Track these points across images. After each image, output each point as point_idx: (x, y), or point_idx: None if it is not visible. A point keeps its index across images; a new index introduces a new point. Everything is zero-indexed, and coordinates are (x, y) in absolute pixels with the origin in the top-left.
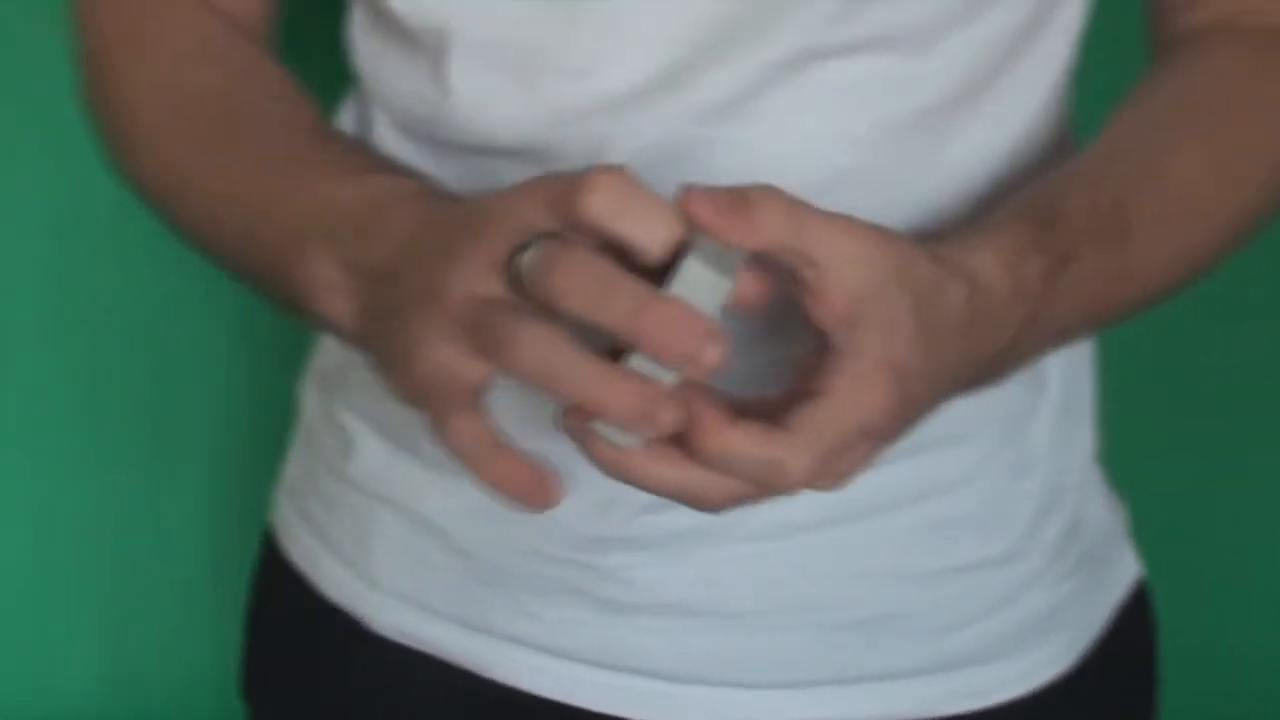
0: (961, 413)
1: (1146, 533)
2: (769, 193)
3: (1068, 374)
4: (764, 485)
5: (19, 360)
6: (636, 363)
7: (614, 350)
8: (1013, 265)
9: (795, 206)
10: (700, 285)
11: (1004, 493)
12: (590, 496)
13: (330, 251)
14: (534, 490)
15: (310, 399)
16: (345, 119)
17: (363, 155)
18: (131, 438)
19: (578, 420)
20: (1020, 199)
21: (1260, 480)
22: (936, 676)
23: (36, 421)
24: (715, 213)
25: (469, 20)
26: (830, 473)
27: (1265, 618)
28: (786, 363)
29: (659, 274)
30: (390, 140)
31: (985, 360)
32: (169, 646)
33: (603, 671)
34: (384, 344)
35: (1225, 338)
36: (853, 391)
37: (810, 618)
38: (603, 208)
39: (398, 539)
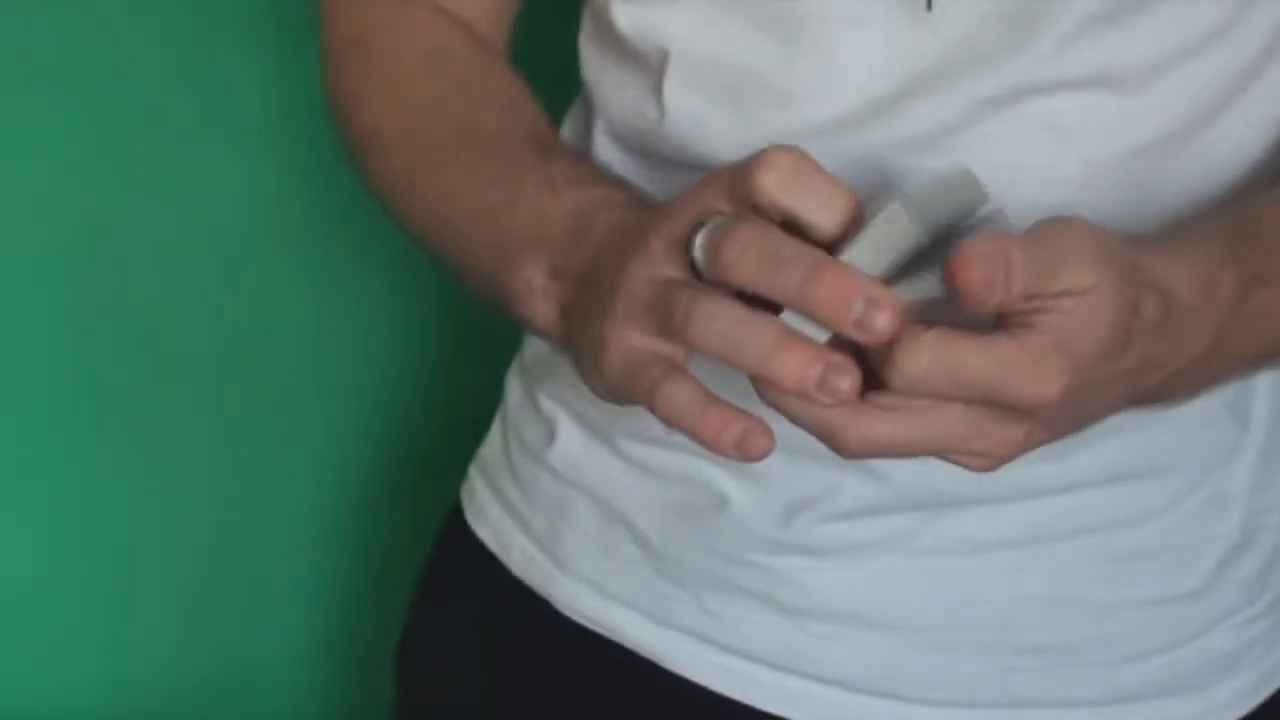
0: (1159, 447)
1: None
2: (1019, 246)
3: (1273, 415)
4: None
5: (18, 360)
6: (790, 319)
7: None
8: (1207, 279)
9: (1039, 253)
10: (890, 232)
11: (1196, 530)
12: (777, 503)
13: (541, 259)
14: (747, 439)
15: (514, 386)
16: (569, 125)
17: (581, 166)
18: (131, 437)
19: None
20: (1224, 211)
21: None
22: (1112, 708)
23: (35, 421)
24: (982, 283)
25: (689, 41)
26: (981, 442)
27: None
28: None
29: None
30: (606, 150)
31: (1167, 374)
32: (169, 646)
33: (775, 673)
34: (580, 342)
35: None
36: (1024, 361)
37: (986, 638)
38: (775, 184)
39: (589, 526)
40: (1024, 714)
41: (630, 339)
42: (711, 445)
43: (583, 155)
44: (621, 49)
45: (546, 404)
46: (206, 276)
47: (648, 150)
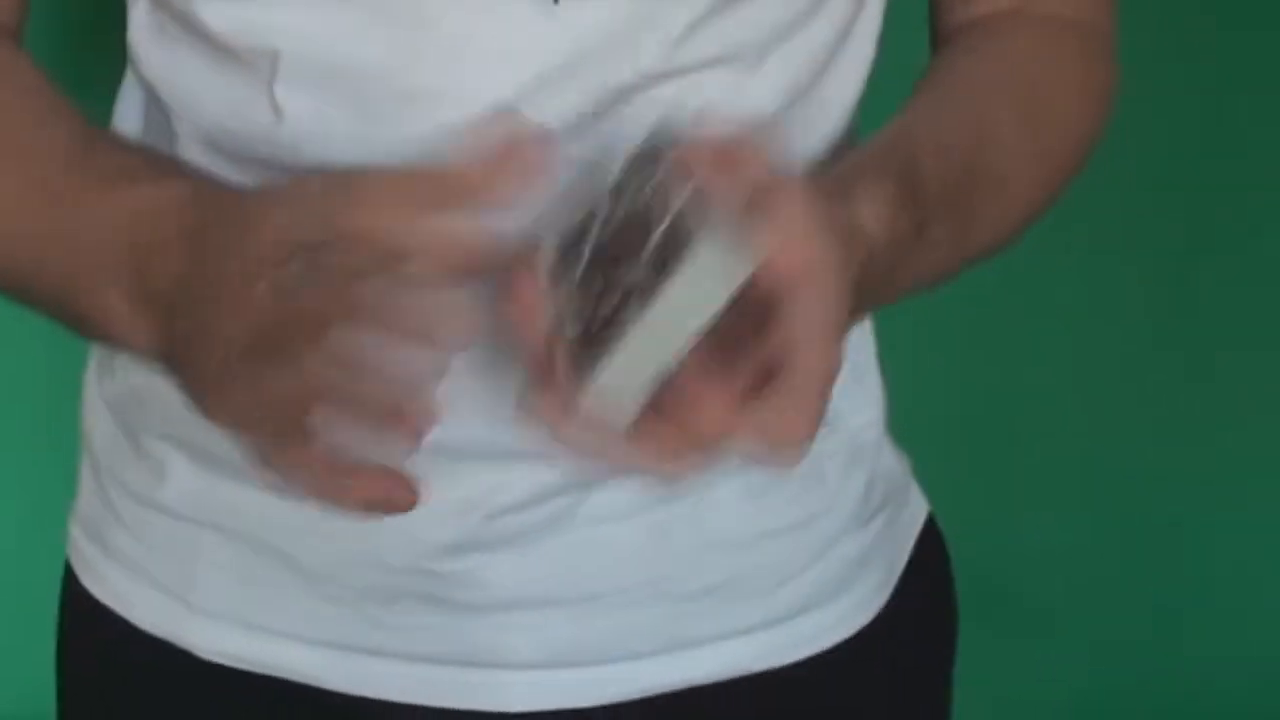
0: None
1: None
2: (757, 142)
3: (853, 343)
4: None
5: (18, 360)
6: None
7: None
8: (890, 219)
9: (772, 160)
10: (715, 265)
11: (812, 455)
12: (443, 508)
13: (116, 285)
14: (393, 495)
15: (101, 427)
16: (129, 125)
17: (122, 154)
18: None
19: (549, 405)
20: (877, 151)
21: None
22: (772, 630)
23: (34, 420)
24: (714, 162)
25: (301, 39)
26: (809, 435)
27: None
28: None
29: None
30: (200, 157)
31: (859, 310)
32: None
33: (458, 669)
34: (191, 377)
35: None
36: (817, 356)
37: (652, 592)
38: (372, 222)
39: (224, 562)
40: (693, 653)
41: (240, 391)
42: (346, 509)
43: (129, 144)
44: (215, 49)
45: (148, 442)
46: None
47: (256, 157)
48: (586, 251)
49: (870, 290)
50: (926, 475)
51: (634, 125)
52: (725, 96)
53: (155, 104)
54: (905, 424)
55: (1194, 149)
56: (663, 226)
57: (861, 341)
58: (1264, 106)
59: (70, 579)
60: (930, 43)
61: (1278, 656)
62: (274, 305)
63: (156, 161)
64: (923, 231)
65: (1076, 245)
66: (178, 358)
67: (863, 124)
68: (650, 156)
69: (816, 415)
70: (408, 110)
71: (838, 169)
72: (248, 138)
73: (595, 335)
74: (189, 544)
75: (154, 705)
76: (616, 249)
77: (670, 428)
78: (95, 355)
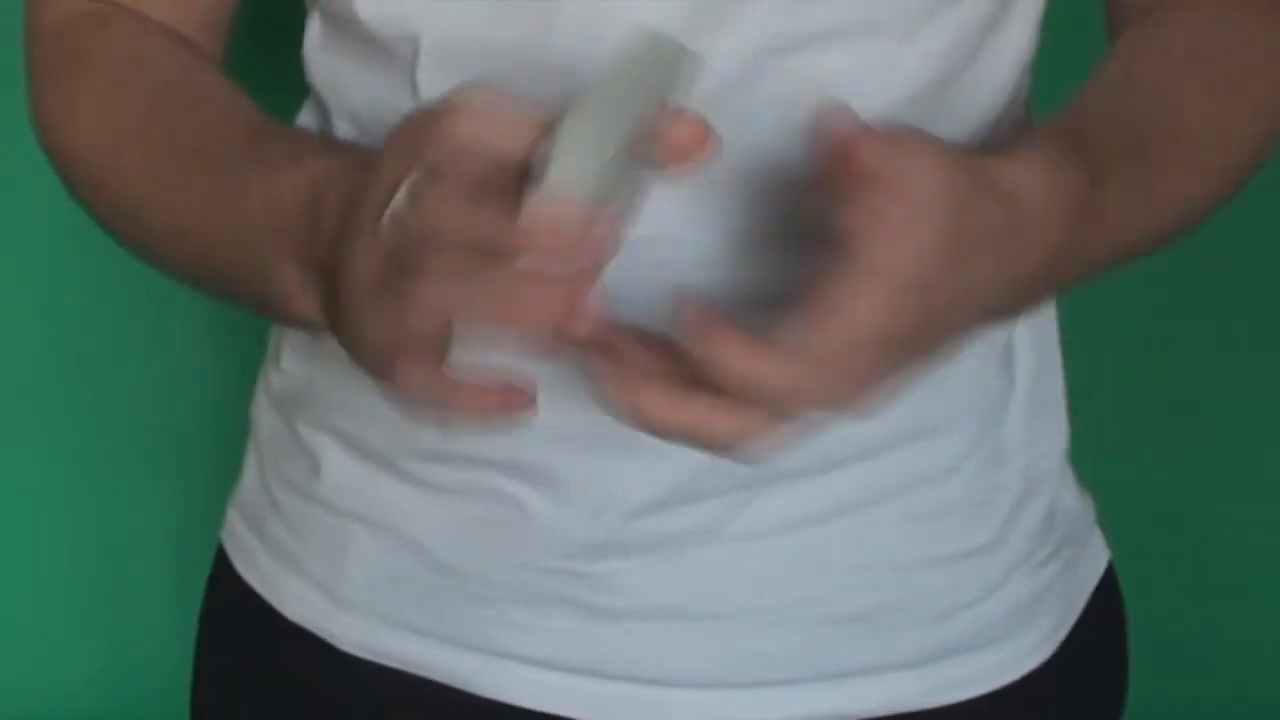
0: (938, 405)
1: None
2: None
3: (1037, 366)
4: (781, 410)
5: (17, 360)
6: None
7: None
8: (1050, 182)
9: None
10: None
11: (984, 482)
12: (580, 504)
13: (288, 257)
14: (507, 406)
15: (266, 419)
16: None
17: (298, 141)
18: (131, 436)
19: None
20: (1049, 124)
21: (1252, 481)
22: (929, 667)
23: (35, 420)
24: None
25: (439, 24)
26: (836, 392)
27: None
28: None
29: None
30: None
31: (1018, 281)
32: (169, 646)
33: (593, 680)
34: (340, 325)
35: (1217, 342)
36: (869, 305)
37: (801, 615)
38: (466, 129)
39: (372, 556)
40: (845, 684)
41: (371, 327)
42: (471, 420)
43: (298, 130)
44: (365, 43)
45: (307, 434)
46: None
47: None
48: None
49: (1037, 259)
50: None
51: (783, 97)
52: (875, 68)
53: (317, 110)
54: None
55: None
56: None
57: (1048, 366)
58: None
59: (222, 564)
60: (1106, 34)
61: (1278, 656)
62: (390, 236)
63: (324, 140)
64: (1097, 190)
65: None
66: (334, 316)
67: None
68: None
69: (858, 381)
70: (540, 86)
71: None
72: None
73: None
74: (340, 537)
75: (293, 695)
76: None
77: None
78: (269, 350)
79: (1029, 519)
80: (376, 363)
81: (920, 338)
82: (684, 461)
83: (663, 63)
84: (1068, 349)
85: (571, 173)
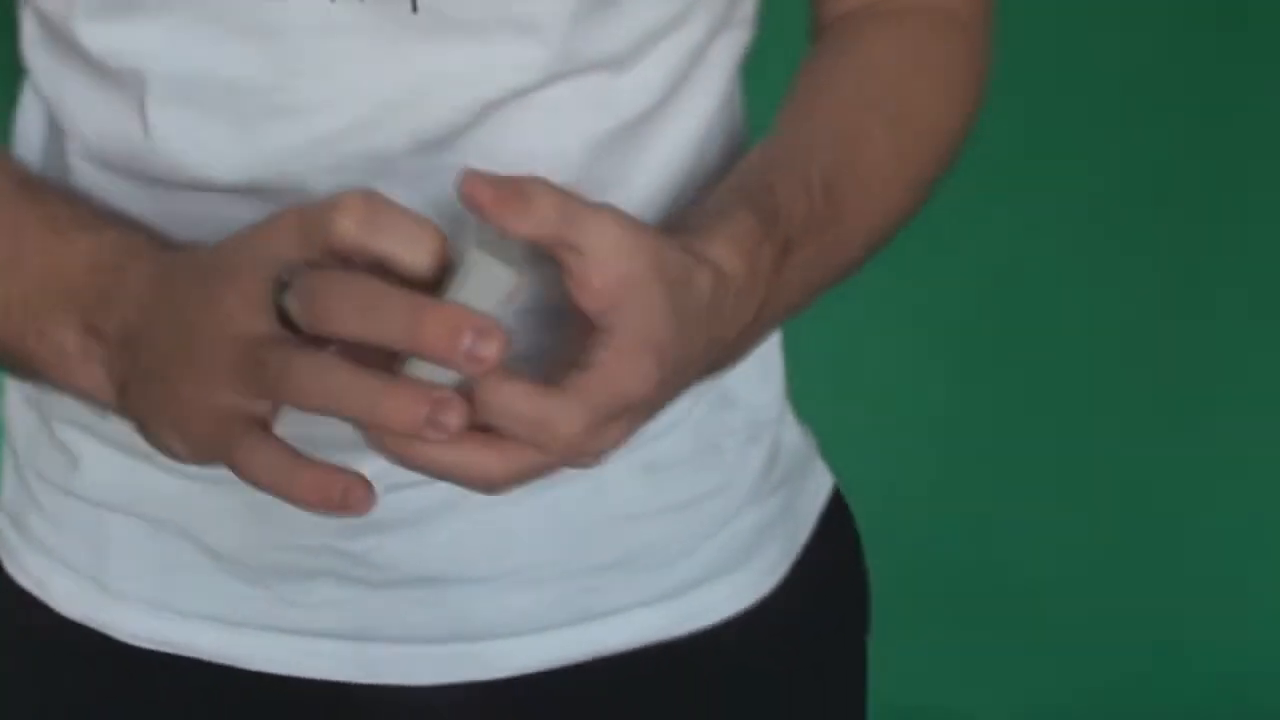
0: None
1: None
2: (541, 181)
3: None
4: (541, 446)
5: None
6: (415, 369)
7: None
8: (748, 254)
9: (565, 195)
10: (484, 280)
11: (712, 430)
12: None
13: (71, 319)
14: (347, 498)
15: (20, 418)
16: (30, 139)
17: (80, 207)
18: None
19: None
20: (738, 182)
21: (1249, 479)
22: (675, 601)
23: None
24: (495, 199)
25: (169, 59)
26: (593, 445)
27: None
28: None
29: (428, 289)
30: (87, 173)
31: (728, 342)
32: None
33: (366, 644)
34: (152, 409)
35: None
36: (617, 365)
37: (551, 570)
38: (356, 230)
39: (137, 546)
40: (595, 625)
41: (221, 400)
42: (309, 508)
43: (75, 193)
44: (91, 67)
45: (62, 430)
46: None
47: (134, 171)
48: None
49: (738, 318)
50: (926, 475)
51: (513, 131)
52: (599, 96)
53: (42, 109)
54: (903, 421)
55: (1194, 150)
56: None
57: None
58: (1264, 108)
59: None
60: (809, 34)
61: (1278, 656)
62: (272, 325)
63: (110, 214)
64: (788, 258)
65: (1078, 245)
66: (138, 393)
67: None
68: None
69: (597, 420)
70: (281, 124)
71: (701, 206)
72: (126, 154)
73: None
74: (102, 529)
75: (76, 687)
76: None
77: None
78: None
79: (754, 459)
80: (206, 439)
81: (660, 397)
82: None
83: (489, 288)
84: (1069, 351)
85: (490, 275)
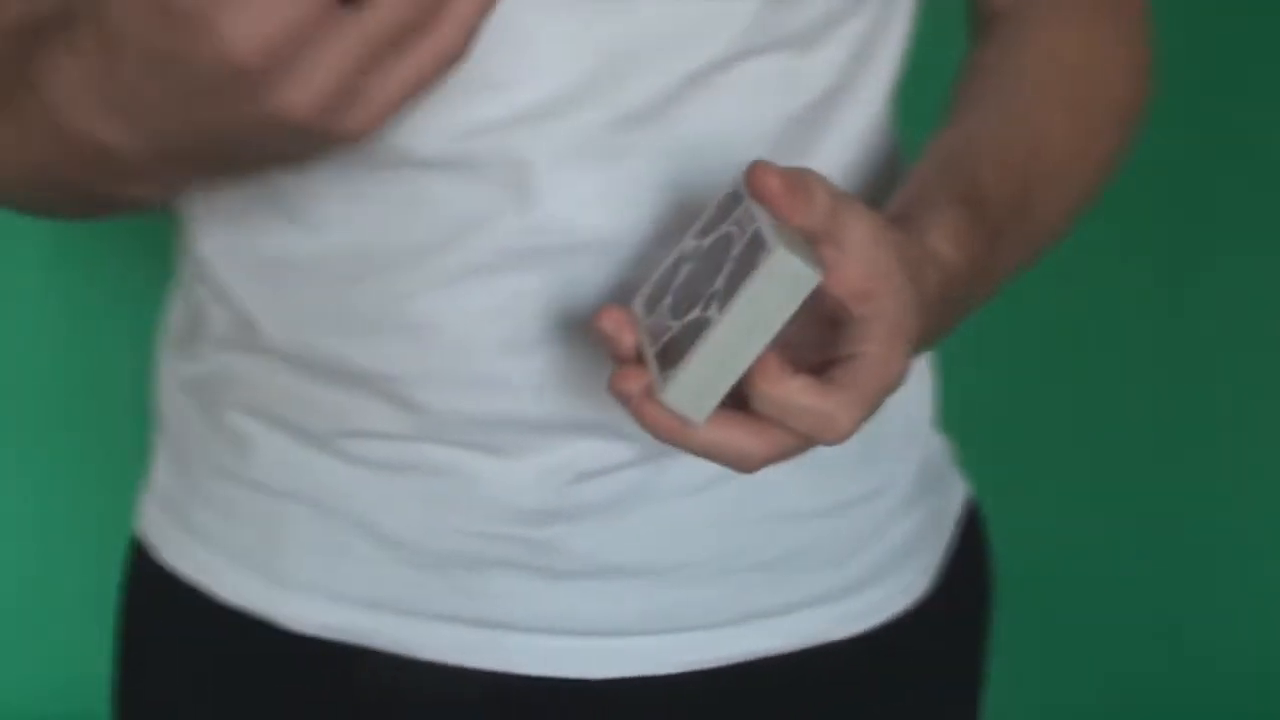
0: None
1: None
2: (816, 174)
3: None
4: (812, 437)
5: (19, 360)
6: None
7: None
8: (964, 246)
9: (835, 190)
10: (787, 278)
11: (870, 433)
12: (526, 472)
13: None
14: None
15: (178, 406)
16: None
17: None
18: (133, 437)
19: (633, 385)
20: (943, 175)
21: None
22: (832, 605)
23: (36, 421)
24: (783, 189)
25: None
26: (856, 424)
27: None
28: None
29: None
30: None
31: (945, 327)
32: None
33: (539, 636)
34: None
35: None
36: (883, 351)
37: (722, 565)
38: None
39: (311, 534)
40: (761, 623)
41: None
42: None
43: None
44: None
45: (234, 419)
46: None
47: (348, 154)
48: (677, 280)
49: (954, 306)
50: None
51: (712, 108)
52: (790, 75)
53: None
54: None
55: (1193, 151)
56: (739, 248)
57: None
58: (1265, 110)
59: (141, 558)
60: (968, 31)
61: (1278, 656)
62: None
63: None
64: (994, 245)
65: (1079, 247)
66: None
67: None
68: (735, 197)
69: (869, 410)
70: (484, 98)
71: (905, 194)
72: None
73: (677, 343)
74: (275, 517)
75: (239, 675)
76: (700, 278)
77: (741, 420)
78: (170, 345)
79: (909, 464)
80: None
81: (903, 376)
82: (622, 436)
83: (794, 286)
84: (1074, 354)
85: (688, 401)
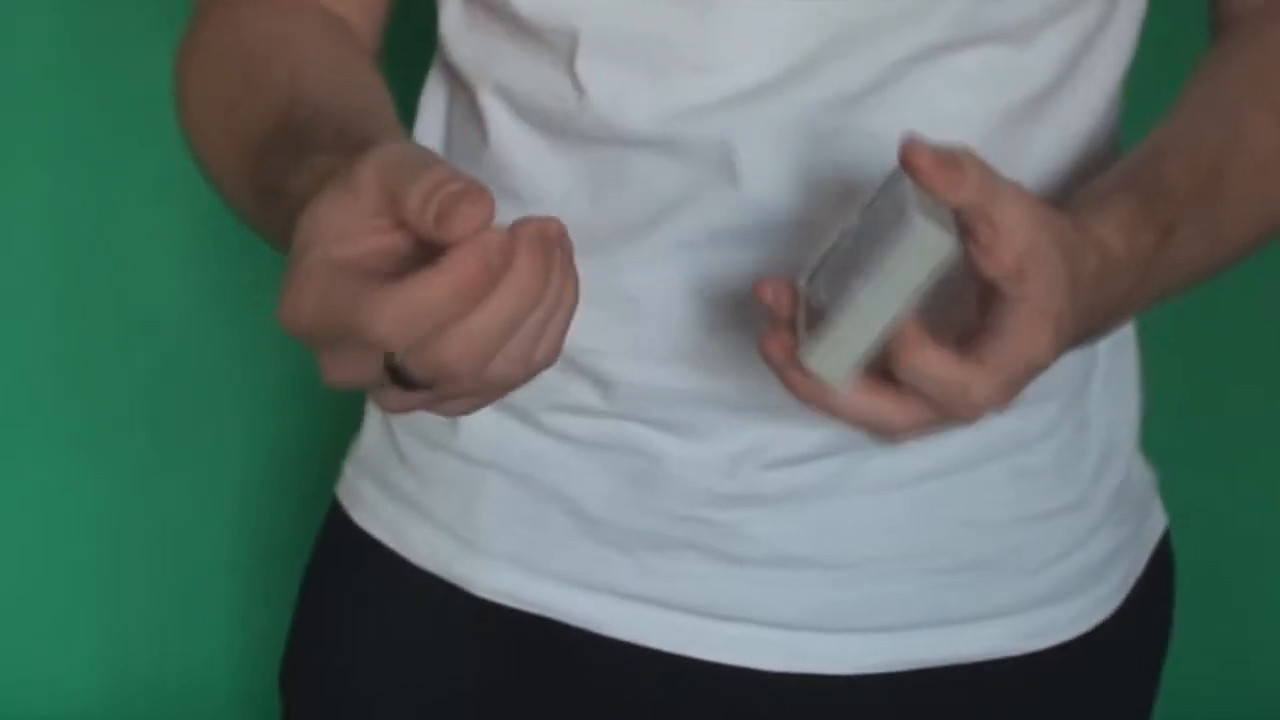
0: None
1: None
2: (969, 151)
3: (1113, 345)
4: (949, 408)
5: (19, 360)
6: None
7: None
8: (1129, 235)
9: (988, 169)
10: (926, 245)
11: (1071, 447)
12: (719, 457)
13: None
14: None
15: None
16: (432, 117)
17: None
18: (133, 438)
19: (779, 349)
20: (1126, 167)
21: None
22: (1020, 616)
23: (37, 421)
24: (934, 163)
25: (599, 18)
26: (1002, 400)
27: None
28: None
29: None
30: (509, 128)
31: (1103, 315)
32: (169, 646)
33: (720, 622)
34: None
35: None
36: (1028, 330)
37: (912, 565)
38: None
39: (508, 504)
40: (949, 630)
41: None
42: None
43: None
44: (522, 30)
45: None
46: (206, 275)
47: (564, 129)
48: (835, 254)
49: (1116, 297)
50: None
51: (922, 96)
52: (1003, 69)
53: (460, 96)
54: None
55: None
56: (887, 221)
57: (1120, 345)
58: None
59: (337, 518)
60: (1209, 34)
61: (1278, 657)
62: None
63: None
64: (1169, 238)
65: None
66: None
67: (1132, 112)
68: (896, 176)
69: (1008, 389)
70: (701, 79)
71: (1089, 186)
72: (556, 112)
73: (824, 313)
74: (476, 485)
75: (428, 637)
76: (853, 252)
77: (886, 389)
78: None
79: (1107, 482)
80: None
81: (1051, 357)
82: (822, 422)
83: (930, 254)
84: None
85: (829, 364)
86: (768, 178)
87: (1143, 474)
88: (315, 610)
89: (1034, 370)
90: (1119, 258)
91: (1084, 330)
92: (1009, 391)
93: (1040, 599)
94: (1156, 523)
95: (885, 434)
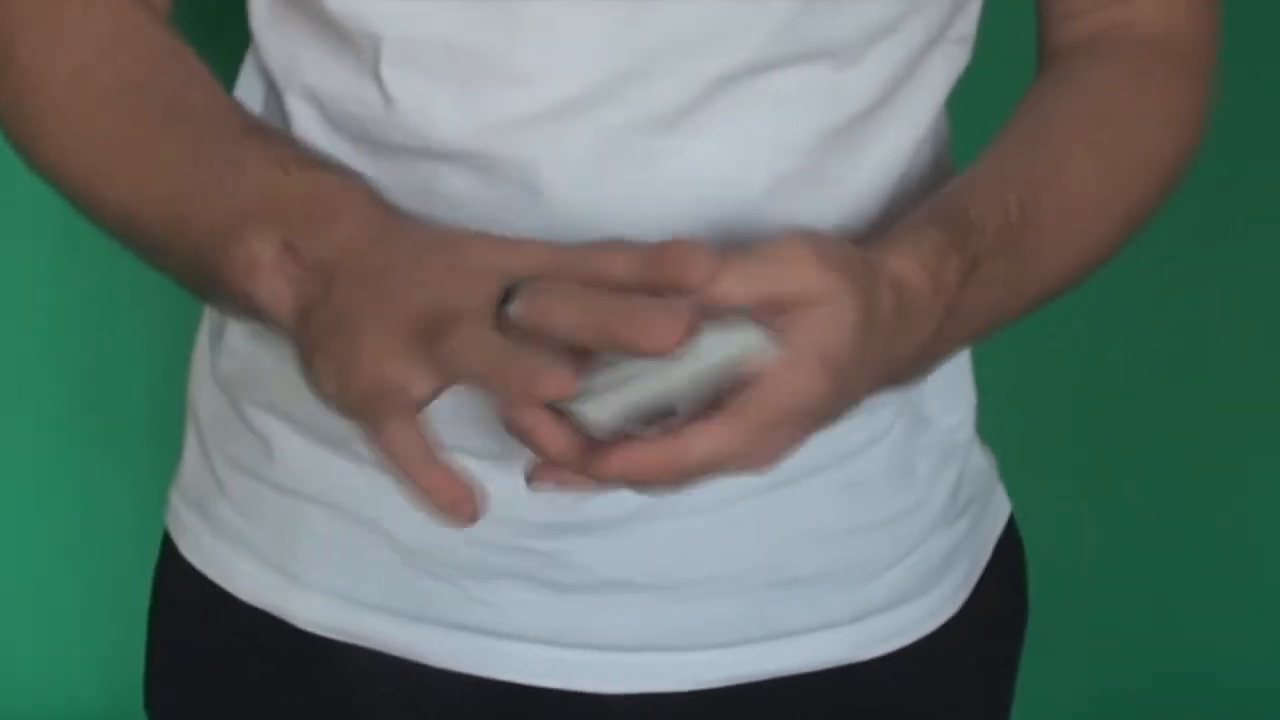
0: None
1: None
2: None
3: None
4: (714, 468)
5: (19, 360)
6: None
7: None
8: (932, 269)
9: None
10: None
11: (905, 450)
12: None
13: (273, 233)
14: (462, 504)
15: (208, 400)
16: (244, 99)
17: (299, 149)
18: (133, 438)
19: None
20: (933, 203)
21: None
22: (856, 625)
23: (37, 422)
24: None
25: (404, 23)
26: (760, 454)
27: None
28: None
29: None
30: (316, 134)
31: (909, 356)
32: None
33: (553, 649)
34: (324, 346)
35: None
36: (783, 378)
37: (748, 580)
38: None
39: (327, 536)
40: (790, 642)
41: (387, 367)
42: (422, 498)
43: (296, 140)
44: (329, 29)
45: (256, 416)
46: None
47: (369, 136)
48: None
49: (925, 334)
50: None
51: (739, 115)
52: (824, 88)
53: (273, 91)
54: None
55: (1198, 150)
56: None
57: None
58: (1267, 111)
59: (168, 548)
60: (1037, 63)
61: (1278, 656)
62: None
63: (328, 160)
64: (975, 274)
65: None
66: (312, 323)
67: (961, 137)
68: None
69: (775, 438)
70: (510, 92)
71: (907, 216)
72: (361, 118)
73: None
74: (293, 517)
75: (248, 672)
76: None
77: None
78: (205, 334)
79: (944, 481)
80: (361, 397)
81: (831, 408)
82: None
83: (740, 350)
84: (1072, 351)
85: (597, 416)
86: (573, 202)
87: (981, 463)
88: (158, 642)
89: (810, 414)
90: (920, 292)
91: (894, 371)
92: (775, 439)
93: (880, 605)
94: (1000, 510)
95: (655, 489)
